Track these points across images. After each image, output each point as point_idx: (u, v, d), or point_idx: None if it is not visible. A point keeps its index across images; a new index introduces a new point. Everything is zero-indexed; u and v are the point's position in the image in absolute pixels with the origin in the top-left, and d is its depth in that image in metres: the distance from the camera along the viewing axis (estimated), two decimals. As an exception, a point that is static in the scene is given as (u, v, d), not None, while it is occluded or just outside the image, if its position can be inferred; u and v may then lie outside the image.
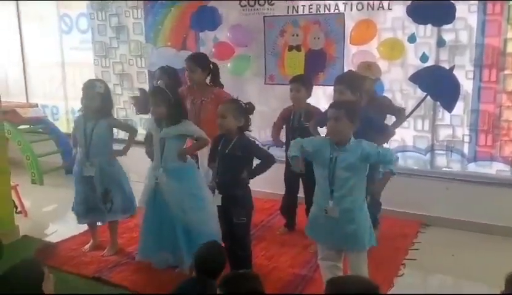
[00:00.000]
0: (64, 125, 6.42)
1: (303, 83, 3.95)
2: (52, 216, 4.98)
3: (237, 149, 3.13)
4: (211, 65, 4.13)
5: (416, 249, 3.91)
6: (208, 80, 4.14)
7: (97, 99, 3.63)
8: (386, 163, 2.78)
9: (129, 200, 3.84)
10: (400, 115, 3.97)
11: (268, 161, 3.20)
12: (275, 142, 4.22)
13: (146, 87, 5.54)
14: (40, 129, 6.33)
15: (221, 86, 4.18)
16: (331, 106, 2.90)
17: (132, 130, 3.93)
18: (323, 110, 3.93)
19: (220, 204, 3.20)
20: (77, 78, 6.25)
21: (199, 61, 4.10)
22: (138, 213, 3.82)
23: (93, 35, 5.94)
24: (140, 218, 3.73)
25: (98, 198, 3.72)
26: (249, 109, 3.21)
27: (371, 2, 4.36)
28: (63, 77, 6.46)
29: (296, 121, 3.97)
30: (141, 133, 3.99)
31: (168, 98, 3.36)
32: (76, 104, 3.95)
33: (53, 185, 5.64)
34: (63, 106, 6.54)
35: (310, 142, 2.92)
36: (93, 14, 5.88)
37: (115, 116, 5.72)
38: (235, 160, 3.13)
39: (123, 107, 5.91)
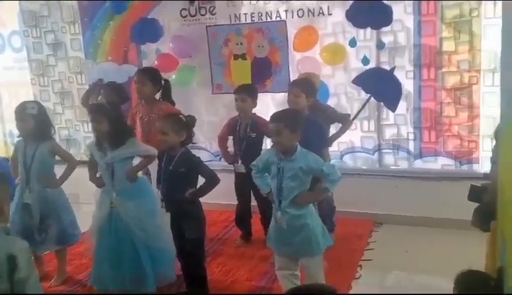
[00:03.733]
0: (2, 149, 6.11)
1: (248, 93, 3.93)
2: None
3: (181, 165, 3.06)
4: (162, 80, 4.02)
5: (372, 249, 3.97)
6: (157, 96, 4.03)
7: (30, 121, 3.43)
8: (326, 181, 2.84)
9: (68, 229, 3.63)
10: (346, 121, 4.05)
11: (212, 181, 3.15)
12: (225, 156, 4.17)
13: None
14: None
15: (173, 103, 4.08)
16: (271, 119, 2.90)
17: (71, 162, 3.65)
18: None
19: (170, 222, 3.13)
20: (13, 99, 5.97)
21: (150, 74, 3.99)
22: (87, 238, 3.63)
23: (29, 53, 5.69)
24: (89, 243, 3.56)
25: (35, 227, 3.50)
26: (190, 121, 3.14)
27: (311, 8, 4.42)
28: (-2, 98, 6.17)
29: (242, 131, 3.95)
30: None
31: (110, 114, 3.22)
32: (13, 127, 3.73)
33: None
34: (0, 128, 6.23)
35: (260, 161, 2.97)
36: (27, 31, 5.63)
37: (57, 136, 5.62)
38: (180, 176, 3.06)
39: (65, 127, 5.69)
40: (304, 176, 2.83)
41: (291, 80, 4.38)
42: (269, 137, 3.59)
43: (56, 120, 5.68)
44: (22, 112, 3.45)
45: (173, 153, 3.10)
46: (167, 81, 4.09)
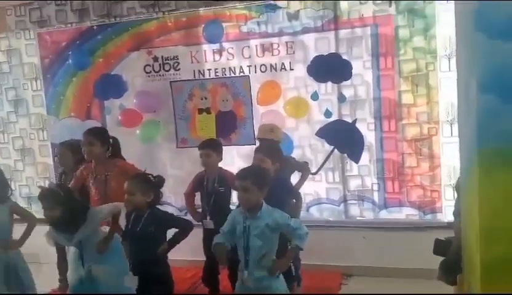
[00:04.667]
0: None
1: (212, 147, 3.92)
2: None
3: (150, 225, 2.99)
4: (110, 139, 3.94)
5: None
6: (107, 155, 3.92)
7: None
8: (295, 237, 2.81)
9: (28, 290, 3.52)
10: (305, 169, 4.10)
11: (186, 228, 3.10)
12: (192, 214, 4.07)
13: (50, 160, 5.30)
14: None
15: (123, 158, 4.02)
16: (237, 176, 2.91)
17: (31, 220, 3.55)
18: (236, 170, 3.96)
19: (136, 285, 3.01)
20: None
21: (97, 134, 3.88)
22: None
23: (-12, 110, 5.59)
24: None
25: None
26: (158, 182, 3.10)
27: (273, 63, 4.52)
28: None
29: (210, 186, 3.91)
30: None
31: (62, 199, 3.02)
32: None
33: None
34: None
35: (227, 224, 2.93)
36: (-13, 88, 5.55)
37: (17, 193, 5.45)
38: (148, 236, 2.98)
39: (26, 184, 5.52)
40: (271, 233, 2.80)
41: (255, 133, 4.40)
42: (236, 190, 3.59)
43: (17, 177, 5.54)
44: None
45: (140, 213, 3.03)
46: (114, 138, 4.00)
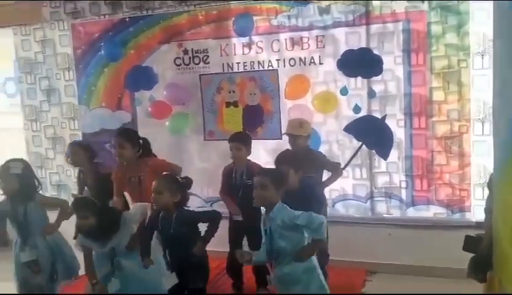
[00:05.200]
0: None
1: (243, 141, 3.94)
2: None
3: (181, 226, 3.03)
4: (140, 140, 3.97)
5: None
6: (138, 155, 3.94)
7: (14, 181, 3.42)
8: (308, 233, 2.82)
9: (74, 262, 3.68)
10: (337, 170, 4.03)
11: (215, 221, 3.14)
12: (230, 207, 3.97)
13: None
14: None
15: (154, 156, 4.08)
16: (257, 173, 3.00)
17: (62, 206, 3.63)
18: (263, 164, 3.98)
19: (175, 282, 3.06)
20: (6, 144, 5.95)
21: (128, 137, 3.91)
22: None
23: (22, 99, 5.72)
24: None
25: (45, 277, 3.49)
26: (186, 183, 3.13)
27: (303, 57, 4.51)
28: (-10, 143, 6.14)
29: (238, 179, 3.93)
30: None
31: (97, 208, 3.10)
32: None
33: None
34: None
35: None
36: (21, 77, 5.68)
37: (48, 181, 5.58)
38: (182, 237, 3.03)
39: (56, 172, 5.65)
40: (287, 231, 2.83)
41: (282, 127, 4.40)
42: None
43: (48, 165, 5.67)
44: (6, 173, 3.42)
45: (169, 214, 3.06)
46: (145, 139, 4.02)
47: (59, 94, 5.55)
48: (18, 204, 3.47)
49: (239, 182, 3.91)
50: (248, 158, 4.00)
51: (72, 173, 5.54)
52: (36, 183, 3.60)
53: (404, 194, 4.38)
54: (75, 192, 5.25)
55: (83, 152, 4.18)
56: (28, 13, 5.44)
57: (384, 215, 4.49)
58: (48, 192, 5.62)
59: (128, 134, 3.97)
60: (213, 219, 3.15)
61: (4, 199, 3.58)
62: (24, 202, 3.47)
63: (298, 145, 3.88)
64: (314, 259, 2.93)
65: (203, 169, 4.94)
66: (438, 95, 4.17)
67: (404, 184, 4.36)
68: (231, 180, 3.98)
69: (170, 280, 3.07)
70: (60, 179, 5.64)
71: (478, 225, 4.02)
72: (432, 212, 4.31)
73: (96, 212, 3.07)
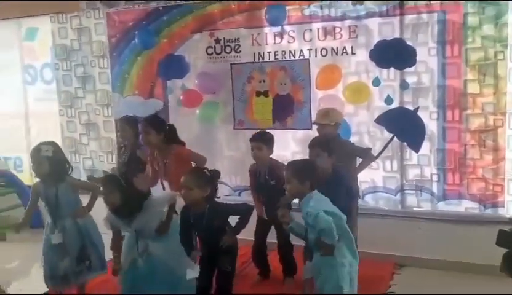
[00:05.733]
0: (28, 178, 6.22)
1: (263, 140, 3.91)
2: (14, 274, 4.73)
3: (213, 219, 3.07)
4: (167, 126, 4.09)
5: (392, 292, 3.88)
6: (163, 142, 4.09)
7: (45, 164, 3.48)
8: (319, 232, 2.80)
9: (103, 255, 3.72)
10: (367, 155, 4.01)
11: (246, 215, 3.18)
12: (256, 207, 3.95)
13: (113, 135, 5.52)
14: (2, 183, 6.11)
15: (182, 144, 4.16)
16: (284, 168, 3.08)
17: (94, 190, 3.69)
18: (291, 155, 3.98)
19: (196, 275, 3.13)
20: (42, 129, 6.13)
21: (153, 123, 4.06)
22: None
23: (58, 85, 5.86)
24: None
25: (72, 261, 3.55)
26: (214, 176, 3.15)
27: (335, 47, 4.48)
28: (27, 128, 6.31)
29: (262, 178, 3.93)
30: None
31: (121, 185, 3.17)
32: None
33: (16, 241, 5.37)
34: (27, 158, 6.34)
35: None
36: (58, 64, 5.81)
37: (81, 166, 5.72)
38: (215, 230, 3.09)
39: (89, 157, 5.79)
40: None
41: (312, 118, 4.40)
42: None
43: (82, 151, 5.81)
44: (38, 155, 3.49)
45: (201, 210, 3.10)
46: (171, 126, 4.16)
47: (93, 82, 5.66)
48: (49, 186, 3.55)
49: (263, 182, 3.92)
50: (276, 148, 4.01)
51: (105, 158, 5.68)
52: (67, 166, 3.66)
53: (435, 187, 4.31)
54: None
55: (129, 128, 4.35)
56: (65, 2, 5.56)
57: (415, 208, 4.44)
58: (82, 177, 5.78)
59: (152, 121, 4.10)
60: (244, 213, 3.18)
61: (38, 180, 3.67)
62: (55, 184, 3.54)
63: (324, 134, 3.87)
64: (342, 256, 2.89)
65: (232, 157, 4.98)
66: (473, 88, 4.09)
67: (435, 178, 4.30)
68: (256, 179, 4.00)
69: (193, 272, 3.12)
70: (93, 164, 5.77)
71: (511, 220, 3.96)
72: (464, 206, 4.24)
73: (120, 189, 3.15)
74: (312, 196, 2.90)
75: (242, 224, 3.17)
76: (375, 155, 4.25)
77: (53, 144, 3.61)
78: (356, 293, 2.96)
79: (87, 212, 3.66)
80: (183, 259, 3.22)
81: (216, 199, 3.22)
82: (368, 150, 4.09)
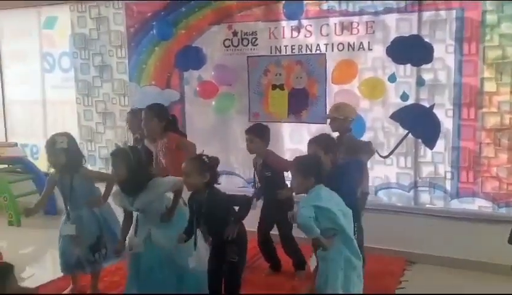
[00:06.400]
0: (44, 164, 6.30)
1: (255, 133, 3.97)
2: (29, 259, 4.80)
3: (212, 206, 3.09)
4: (169, 116, 4.23)
5: (403, 288, 3.89)
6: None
7: (61, 155, 3.52)
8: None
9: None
10: (368, 149, 3.94)
11: (245, 206, 3.19)
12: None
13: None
14: (18, 169, 6.21)
15: (184, 135, 4.36)
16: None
17: (108, 180, 3.68)
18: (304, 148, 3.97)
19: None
20: (59, 116, 6.22)
21: (155, 111, 4.16)
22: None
23: (76, 74, 5.93)
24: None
25: (87, 250, 3.59)
26: (212, 162, 3.17)
27: (351, 42, 4.48)
28: (44, 115, 6.40)
29: (258, 170, 4.01)
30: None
31: (129, 159, 3.21)
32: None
33: (31, 227, 5.46)
34: (44, 145, 6.43)
35: None
36: (76, 53, 5.88)
37: (97, 154, 5.79)
38: (215, 215, 3.11)
39: (105, 146, 5.85)
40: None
41: (327, 111, 4.40)
42: (287, 172, 3.74)
43: (98, 139, 5.89)
44: (52, 146, 3.53)
45: (202, 197, 3.14)
46: (173, 116, 4.29)
47: (111, 71, 5.72)
48: (64, 176, 3.59)
49: (260, 174, 3.99)
50: (289, 141, 4.07)
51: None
52: (81, 157, 3.70)
53: (448, 185, 4.31)
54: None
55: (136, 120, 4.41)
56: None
57: (427, 205, 4.44)
58: (97, 165, 5.86)
59: (155, 109, 4.17)
60: (242, 204, 3.20)
61: (53, 171, 3.72)
62: (70, 174, 3.57)
63: (334, 128, 3.89)
64: (337, 251, 2.92)
65: (246, 149, 5.00)
66: (489, 86, 4.07)
67: (449, 175, 4.29)
68: (256, 171, 4.06)
69: (194, 260, 3.18)
70: (109, 153, 5.82)
71: (525, 220, 3.95)
72: (477, 205, 4.23)
73: (127, 164, 3.21)
74: (314, 192, 2.95)
75: (240, 215, 3.17)
76: (390, 150, 4.26)
77: (67, 135, 3.64)
78: (347, 293, 2.92)
79: (101, 203, 3.67)
80: (187, 249, 3.25)
81: (217, 187, 3.25)
82: (369, 144, 4.00)
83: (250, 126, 4.16)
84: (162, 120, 4.13)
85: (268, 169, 3.91)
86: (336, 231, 2.90)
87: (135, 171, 3.22)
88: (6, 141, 6.59)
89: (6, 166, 6.13)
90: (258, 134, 3.97)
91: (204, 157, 3.18)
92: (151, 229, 3.34)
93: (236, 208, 3.18)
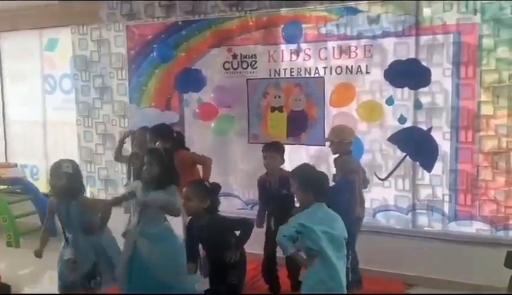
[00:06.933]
0: (44, 185, 6.32)
1: (277, 150, 3.99)
2: (27, 280, 4.79)
3: (213, 232, 3.11)
4: (174, 134, 4.33)
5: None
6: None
7: (63, 179, 3.53)
8: None
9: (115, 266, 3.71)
10: (362, 174, 4.04)
11: (246, 230, 3.20)
12: (257, 221, 4.04)
13: (129, 147, 5.59)
14: (18, 190, 6.21)
15: (187, 149, 4.42)
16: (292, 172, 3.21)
17: (104, 212, 3.65)
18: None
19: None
20: (59, 137, 6.25)
21: (158, 132, 4.29)
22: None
23: (77, 95, 5.97)
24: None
25: (82, 277, 3.58)
26: (214, 188, 3.20)
27: (349, 66, 4.54)
28: (44, 136, 6.42)
29: (273, 189, 3.97)
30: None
31: (163, 159, 3.41)
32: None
33: (30, 247, 5.38)
34: (44, 166, 6.45)
35: None
36: (77, 75, 5.93)
37: (96, 176, 5.80)
38: (215, 242, 3.13)
39: (105, 167, 5.87)
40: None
41: (326, 134, 4.43)
42: None
43: (97, 161, 5.89)
44: (57, 169, 3.56)
45: (202, 222, 3.15)
46: (179, 133, 4.40)
47: (111, 93, 5.76)
48: (62, 202, 3.60)
49: (274, 192, 3.96)
50: (289, 164, 4.07)
51: (120, 168, 5.75)
52: (82, 186, 3.71)
53: (446, 208, 4.32)
54: (122, 187, 5.47)
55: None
56: (85, 14, 5.69)
57: (426, 228, 4.44)
58: (96, 186, 5.87)
59: (157, 130, 4.27)
60: (244, 228, 3.21)
61: (52, 197, 3.73)
62: (67, 201, 3.57)
63: (334, 150, 3.96)
64: (313, 271, 2.94)
65: (245, 171, 5.03)
66: (487, 109, 4.11)
67: (447, 198, 4.31)
68: (265, 190, 4.04)
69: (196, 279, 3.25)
70: (108, 174, 5.85)
71: (523, 243, 3.95)
72: (475, 227, 4.23)
73: (161, 163, 3.38)
74: (308, 209, 2.97)
75: (242, 239, 3.20)
76: (387, 173, 4.28)
77: (72, 162, 3.68)
78: None
79: (102, 231, 3.65)
80: (175, 268, 3.30)
81: (218, 213, 3.27)
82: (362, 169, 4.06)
83: (267, 143, 4.14)
84: (167, 140, 4.19)
85: (285, 186, 3.84)
86: (317, 252, 2.90)
87: (165, 170, 3.37)
88: (6, 161, 6.61)
89: (6, 186, 6.13)
90: (279, 151, 3.99)
91: (205, 182, 3.21)
92: (137, 238, 3.39)
93: (237, 232, 3.20)
